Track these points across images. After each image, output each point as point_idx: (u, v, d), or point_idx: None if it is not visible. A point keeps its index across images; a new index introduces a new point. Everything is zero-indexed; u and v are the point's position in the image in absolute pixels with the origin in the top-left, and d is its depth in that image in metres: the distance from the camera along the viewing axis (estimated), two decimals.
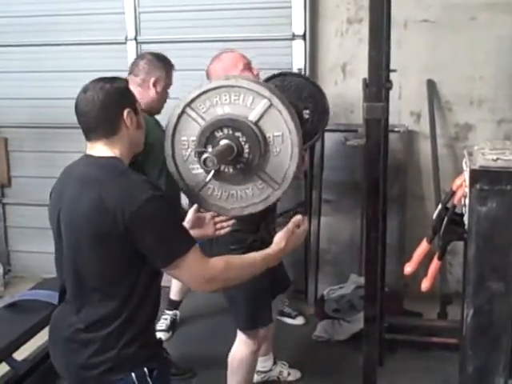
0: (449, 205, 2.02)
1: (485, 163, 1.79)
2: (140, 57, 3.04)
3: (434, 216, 2.03)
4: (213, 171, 1.83)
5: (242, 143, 1.87)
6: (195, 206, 2.18)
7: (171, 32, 4.28)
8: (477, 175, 1.77)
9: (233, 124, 1.87)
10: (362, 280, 3.71)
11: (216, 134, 1.88)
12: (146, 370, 1.85)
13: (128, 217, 1.73)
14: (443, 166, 3.95)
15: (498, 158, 1.80)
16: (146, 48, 4.25)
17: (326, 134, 4.11)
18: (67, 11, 4.42)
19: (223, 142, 1.86)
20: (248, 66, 2.74)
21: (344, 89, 4.15)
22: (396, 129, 3.97)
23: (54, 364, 1.99)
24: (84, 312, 1.86)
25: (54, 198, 1.98)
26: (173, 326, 3.85)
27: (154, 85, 2.86)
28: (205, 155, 1.77)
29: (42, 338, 3.09)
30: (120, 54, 4.30)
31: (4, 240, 4.95)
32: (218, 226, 2.23)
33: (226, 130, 1.87)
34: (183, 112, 1.93)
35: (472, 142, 3.93)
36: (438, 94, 4.02)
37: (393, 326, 3.50)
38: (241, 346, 2.83)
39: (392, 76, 3.13)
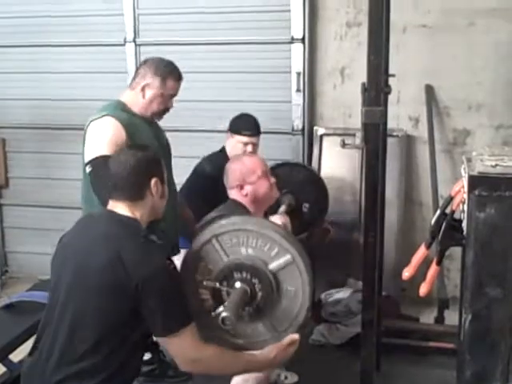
0: (447, 210, 2.02)
1: (483, 169, 1.80)
2: (145, 60, 3.01)
3: (433, 221, 2.04)
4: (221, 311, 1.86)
5: (257, 290, 1.94)
6: None
7: (170, 34, 4.28)
8: (475, 181, 1.77)
9: (253, 270, 1.93)
10: (359, 284, 3.73)
11: (235, 274, 1.94)
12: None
13: (141, 279, 1.81)
14: (441, 171, 3.95)
15: (496, 164, 1.81)
16: (144, 50, 4.27)
17: (324, 138, 4.13)
18: (66, 13, 4.42)
19: (239, 284, 1.92)
20: (265, 174, 2.79)
21: (342, 92, 4.15)
22: (394, 133, 3.97)
23: None
24: (63, 364, 1.88)
25: (63, 245, 2.05)
26: None
27: (143, 89, 2.78)
28: (224, 314, 1.81)
29: None
30: (119, 56, 4.31)
31: (1, 241, 4.94)
32: None
33: (244, 274, 1.94)
34: (209, 242, 2.00)
35: (470, 147, 3.93)
36: (436, 99, 4.02)
37: (390, 330, 3.49)
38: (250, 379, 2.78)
39: (390, 81, 3.13)
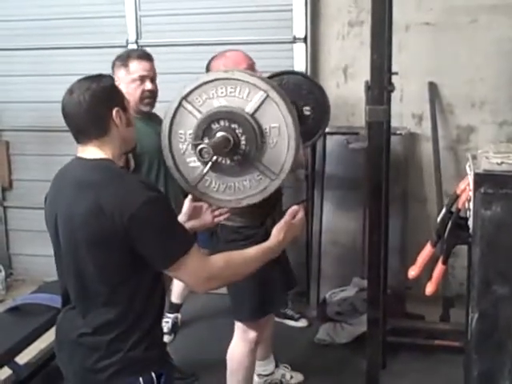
0: (453, 209, 2.02)
1: (489, 167, 1.79)
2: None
3: (438, 220, 2.03)
4: (210, 163, 1.83)
5: (239, 135, 1.88)
6: (190, 196, 2.17)
7: (172, 35, 4.28)
8: (481, 179, 1.76)
9: (229, 116, 1.87)
10: (364, 283, 3.72)
11: (212, 126, 1.88)
12: (153, 375, 1.85)
13: (126, 220, 1.72)
14: (445, 169, 3.95)
15: (502, 162, 1.80)
16: None
17: (328, 137, 4.12)
18: (68, 15, 4.42)
19: (220, 134, 1.86)
20: (251, 67, 2.73)
21: (345, 91, 4.15)
22: (398, 131, 3.96)
23: (60, 367, 1.98)
24: (90, 316, 1.85)
25: (49, 204, 1.97)
26: (174, 329, 3.85)
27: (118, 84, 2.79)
28: (201, 146, 1.78)
29: (44, 341, 3.09)
30: None
31: (5, 243, 4.95)
32: (216, 213, 2.22)
33: (222, 122, 1.88)
34: (180, 105, 1.94)
35: (474, 144, 3.93)
36: (439, 96, 4.02)
37: (395, 328, 3.49)
38: (239, 345, 2.81)
39: (394, 79, 3.13)
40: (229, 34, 4.17)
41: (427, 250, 2.10)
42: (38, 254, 4.74)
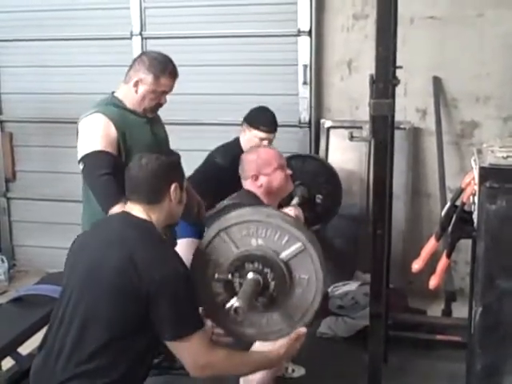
0: (458, 202, 2.01)
1: (494, 161, 1.78)
2: (140, 54, 2.98)
3: (443, 214, 2.03)
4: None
5: (269, 279, 1.92)
6: None
7: (176, 27, 4.28)
8: (486, 173, 1.76)
9: (264, 260, 1.92)
10: (366, 277, 3.73)
11: (246, 265, 1.93)
12: None
13: (154, 284, 1.81)
14: (449, 164, 3.94)
15: (508, 156, 1.79)
16: (150, 43, 4.26)
17: (331, 130, 4.12)
18: (73, 6, 4.43)
19: (251, 275, 1.91)
20: (281, 166, 2.77)
21: (349, 85, 4.14)
22: (402, 126, 3.96)
23: None
24: (72, 364, 1.88)
25: (79, 245, 2.05)
26: None
27: (135, 85, 2.73)
28: (236, 304, 1.80)
29: None
30: (125, 50, 4.29)
31: (8, 234, 4.96)
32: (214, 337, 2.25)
33: (256, 264, 1.92)
34: (218, 235, 1.99)
35: (478, 139, 3.92)
36: (443, 90, 4.00)
37: (397, 323, 3.49)
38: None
39: (398, 73, 3.11)
40: (233, 26, 4.17)
41: (431, 244, 2.10)
42: (41, 246, 4.77)
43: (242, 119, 3.45)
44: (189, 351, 1.88)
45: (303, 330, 2.03)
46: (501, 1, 3.78)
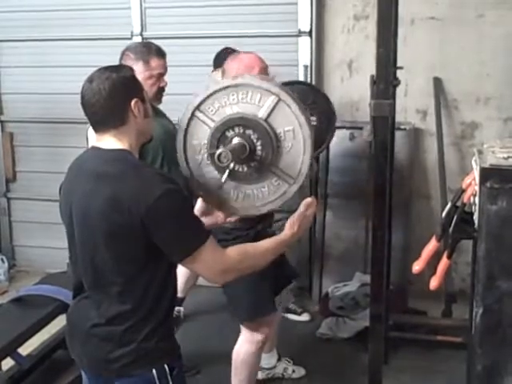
0: (458, 203, 2.01)
1: (495, 161, 1.78)
2: (122, 51, 2.98)
3: (444, 214, 2.02)
4: (228, 170, 1.82)
5: (254, 141, 1.86)
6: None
7: (177, 28, 4.28)
8: (487, 173, 1.75)
9: (243, 122, 1.86)
10: (366, 278, 3.72)
11: (227, 133, 1.87)
12: (166, 367, 1.85)
13: (144, 212, 1.73)
14: (449, 165, 3.94)
15: (508, 157, 1.79)
16: None
17: None
18: (73, 6, 4.43)
19: (235, 140, 1.85)
20: (264, 71, 2.72)
21: (350, 86, 4.14)
22: (402, 126, 3.96)
23: (72, 357, 1.98)
24: (103, 307, 1.85)
25: (64, 194, 1.97)
26: (176, 323, 3.85)
27: None
28: (219, 151, 1.76)
29: (47, 332, 3.10)
30: None
31: (9, 234, 4.97)
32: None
33: (236, 129, 1.86)
34: (193, 116, 1.92)
35: (478, 140, 3.92)
36: (444, 91, 4.00)
37: (397, 324, 3.49)
38: (244, 344, 2.82)
39: (398, 73, 3.12)
40: (234, 26, 4.17)
41: (432, 245, 2.09)
42: (41, 246, 4.77)
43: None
44: (203, 264, 1.81)
45: (309, 199, 1.97)
46: (501, 2, 3.78)
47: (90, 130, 2.71)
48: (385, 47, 2.19)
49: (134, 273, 1.81)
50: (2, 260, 4.68)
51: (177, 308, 3.87)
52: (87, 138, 2.76)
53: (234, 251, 1.86)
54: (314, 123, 3.23)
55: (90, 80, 1.85)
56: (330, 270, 4.20)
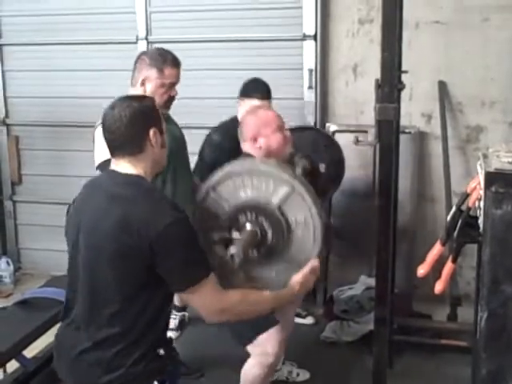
0: (463, 207, 2.01)
1: (500, 166, 1.78)
2: (139, 55, 3.00)
3: (448, 218, 2.02)
4: (239, 260, 1.84)
5: (266, 228, 1.90)
6: None
7: (182, 32, 4.28)
8: (492, 178, 1.75)
9: (256, 209, 1.90)
10: (371, 281, 3.72)
11: (240, 218, 1.92)
12: (156, 383, 1.88)
13: (153, 236, 1.76)
14: (454, 168, 3.92)
15: None
16: None
17: (337, 135, 4.11)
18: (78, 10, 4.45)
19: (247, 226, 1.90)
20: (280, 128, 2.71)
21: (355, 89, 4.14)
22: (407, 130, 3.95)
23: (60, 377, 1.99)
24: (92, 329, 1.86)
25: (74, 211, 2.01)
26: (181, 326, 3.85)
27: (142, 84, 2.78)
28: (231, 251, 1.80)
29: (52, 335, 3.08)
30: (131, 54, 4.21)
31: (14, 237, 4.98)
32: None
33: (249, 215, 1.91)
34: (207, 194, 1.98)
35: (483, 143, 3.91)
36: (449, 95, 4.00)
37: (402, 327, 3.49)
38: (253, 368, 2.69)
39: (403, 77, 3.12)
40: (239, 30, 4.18)
41: (437, 249, 2.09)
42: (46, 249, 4.77)
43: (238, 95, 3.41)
44: (202, 298, 1.83)
45: (316, 262, 2.00)
46: (506, 5, 3.77)
47: (98, 130, 2.74)
48: (390, 51, 2.19)
49: (131, 295, 1.83)
50: (8, 263, 4.69)
51: (181, 312, 3.87)
52: (93, 140, 2.77)
53: (235, 293, 1.89)
54: (323, 170, 3.30)
55: (112, 106, 1.92)
56: (334, 274, 4.20)
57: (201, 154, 3.40)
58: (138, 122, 1.89)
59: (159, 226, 1.75)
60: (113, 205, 1.83)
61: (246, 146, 2.68)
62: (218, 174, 1.97)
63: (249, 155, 2.63)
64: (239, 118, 3.29)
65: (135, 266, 1.80)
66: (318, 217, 1.91)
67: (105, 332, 1.84)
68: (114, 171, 1.93)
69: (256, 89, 3.37)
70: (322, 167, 3.29)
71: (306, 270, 1.99)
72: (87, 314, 1.88)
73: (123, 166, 1.91)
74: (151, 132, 1.90)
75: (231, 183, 1.94)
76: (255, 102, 3.31)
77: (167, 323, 1.99)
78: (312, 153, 3.31)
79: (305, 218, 1.92)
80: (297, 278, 1.98)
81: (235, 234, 1.91)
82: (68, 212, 2.07)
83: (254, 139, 2.64)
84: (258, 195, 1.92)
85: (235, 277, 1.98)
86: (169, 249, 1.77)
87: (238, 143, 2.73)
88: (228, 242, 1.93)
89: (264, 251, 1.92)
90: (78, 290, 1.92)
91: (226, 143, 3.10)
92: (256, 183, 1.92)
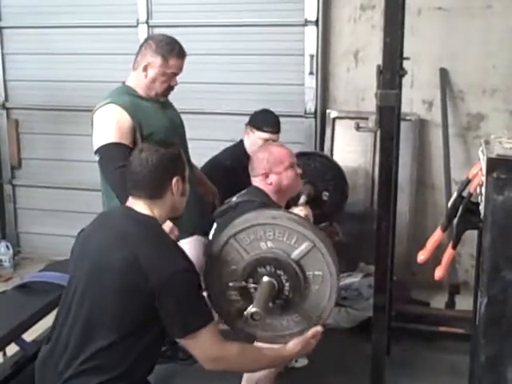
0: (464, 193, 2.01)
1: (502, 152, 1.78)
2: (145, 39, 2.98)
3: (449, 204, 2.02)
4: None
5: (284, 281, 1.92)
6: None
7: (183, 16, 4.26)
8: (494, 164, 1.75)
9: (275, 262, 1.92)
10: (369, 268, 3.73)
11: (258, 269, 1.93)
12: None
13: (159, 281, 1.79)
14: (454, 156, 3.93)
15: None
16: (157, 32, 4.23)
17: (337, 121, 4.11)
18: None
19: (265, 279, 1.91)
20: (292, 165, 2.74)
21: (356, 76, 4.13)
22: (408, 117, 3.94)
23: None
24: (77, 360, 1.86)
25: (83, 239, 2.04)
26: None
27: (145, 69, 2.76)
28: (252, 310, 1.80)
29: (51, 318, 3.10)
30: (131, 38, 4.27)
31: (14, 221, 4.98)
32: None
33: (268, 267, 1.92)
34: (227, 243, 1.99)
35: (484, 131, 3.91)
36: (450, 82, 3.99)
37: (400, 314, 3.49)
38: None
39: (405, 64, 3.10)
40: (240, 15, 4.16)
41: (437, 235, 2.09)
42: (45, 233, 4.78)
43: (246, 123, 3.48)
44: (200, 346, 1.86)
45: (319, 328, 2.03)
46: None
47: (96, 114, 2.73)
48: (392, 37, 2.18)
49: (127, 329, 1.85)
50: (7, 247, 4.69)
51: None
52: (92, 124, 2.76)
53: (234, 345, 1.92)
54: (326, 198, 3.35)
55: (141, 150, 1.99)
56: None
57: (208, 171, 3.39)
58: (163, 168, 1.95)
59: (165, 273, 1.79)
60: (124, 243, 1.86)
61: (256, 181, 2.71)
62: (240, 222, 1.99)
63: (259, 190, 2.66)
64: (247, 147, 3.39)
65: (136, 306, 1.83)
66: (336, 276, 1.95)
67: (90, 363, 1.85)
68: (129, 208, 1.98)
69: (267, 122, 3.41)
70: (325, 195, 3.34)
71: (308, 334, 2.01)
72: (77, 344, 1.88)
73: (139, 206, 1.96)
74: (174, 180, 1.97)
75: (253, 233, 1.96)
76: (265, 135, 3.33)
77: (153, 367, 2.01)
78: (319, 180, 3.36)
79: (323, 275, 1.95)
80: (297, 341, 2.01)
81: (251, 286, 1.94)
82: (78, 237, 2.09)
83: (266, 175, 2.68)
84: (279, 248, 1.95)
85: (242, 321, 1.99)
86: (171, 296, 1.81)
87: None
88: (243, 291, 1.96)
89: (279, 303, 1.95)
90: (69, 318, 1.93)
91: (234, 165, 3.21)
92: (278, 236, 1.95)
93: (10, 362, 2.87)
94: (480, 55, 3.89)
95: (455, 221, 1.99)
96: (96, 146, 2.66)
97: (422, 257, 2.12)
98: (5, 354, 2.95)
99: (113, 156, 2.57)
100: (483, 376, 1.87)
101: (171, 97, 2.97)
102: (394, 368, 2.89)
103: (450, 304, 3.64)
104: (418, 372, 3.22)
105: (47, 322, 3.11)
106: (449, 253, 2.03)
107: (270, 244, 1.95)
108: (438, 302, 3.74)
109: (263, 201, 2.54)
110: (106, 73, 4.19)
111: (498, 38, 3.82)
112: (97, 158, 2.66)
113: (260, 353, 1.99)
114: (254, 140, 3.38)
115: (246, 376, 2.70)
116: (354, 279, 3.88)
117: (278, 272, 1.92)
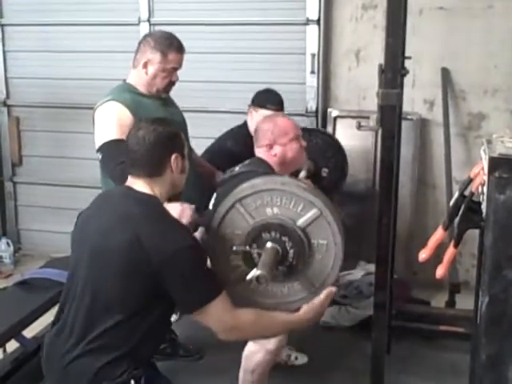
0: (466, 192, 2.01)
1: (504, 151, 1.78)
2: (144, 36, 2.98)
3: (451, 203, 2.02)
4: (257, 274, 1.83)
5: (288, 248, 1.90)
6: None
7: (184, 14, 4.26)
8: (496, 163, 1.75)
9: (280, 228, 1.90)
10: (370, 267, 3.73)
11: (263, 235, 1.91)
12: (132, 382, 1.87)
13: (163, 260, 1.78)
14: (455, 155, 3.93)
15: None
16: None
17: (338, 120, 4.11)
18: None
19: (269, 244, 1.89)
20: (297, 138, 2.70)
21: (357, 75, 4.13)
22: (409, 116, 3.95)
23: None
24: (88, 339, 1.86)
25: (81, 221, 2.04)
26: None
27: (144, 66, 2.77)
28: (258, 272, 1.78)
29: (51, 315, 3.10)
30: (132, 36, 4.22)
31: (14, 218, 4.98)
32: None
33: (273, 233, 1.90)
34: (233, 206, 1.96)
35: (485, 131, 3.91)
36: (452, 82, 3.99)
37: (401, 313, 3.50)
38: (255, 355, 2.68)
39: (406, 63, 3.10)
40: (242, 14, 4.17)
41: (439, 233, 2.09)
42: (46, 230, 4.79)
43: (249, 104, 3.44)
44: (213, 318, 1.86)
45: (334, 288, 2.01)
46: None
47: (98, 112, 2.73)
48: (394, 37, 2.18)
49: (133, 308, 1.85)
50: (8, 244, 4.70)
51: None
52: (93, 122, 2.76)
53: (248, 312, 1.91)
54: (325, 175, 3.34)
55: (138, 128, 1.98)
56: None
57: (210, 152, 3.39)
58: (161, 146, 1.94)
59: (170, 249, 1.79)
60: (125, 224, 1.85)
61: (260, 152, 2.68)
62: (247, 187, 1.97)
63: (263, 161, 2.63)
64: (251, 128, 3.31)
65: (140, 283, 1.83)
66: (341, 246, 1.93)
67: (98, 342, 1.85)
68: (129, 187, 1.97)
69: (270, 99, 3.38)
70: (325, 172, 3.33)
71: (322, 295, 1.99)
72: (84, 324, 1.88)
73: (139, 185, 1.95)
74: (173, 157, 1.95)
75: (259, 199, 1.94)
76: (269, 112, 3.32)
77: (157, 348, 2.02)
78: (319, 157, 3.35)
79: (327, 243, 1.93)
80: (312, 305, 1.99)
81: (255, 251, 1.92)
82: (77, 220, 2.09)
83: (270, 147, 2.64)
84: (285, 214, 1.93)
85: (243, 287, 1.98)
86: (177, 273, 1.80)
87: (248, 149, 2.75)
88: (246, 256, 1.94)
89: (282, 269, 1.93)
90: (74, 300, 1.93)
91: (237, 149, 3.17)
92: (285, 202, 1.92)
93: (10, 359, 2.89)
94: (481, 55, 3.89)
95: (457, 220, 1.99)
96: (98, 145, 2.66)
97: (423, 255, 2.12)
98: (5, 351, 2.95)
99: (114, 153, 2.57)
100: (484, 375, 1.87)
101: (173, 95, 2.97)
102: (394, 367, 2.90)
103: (451, 303, 3.65)
104: (418, 371, 3.23)
105: (47, 318, 3.12)
106: (450, 251, 2.03)
107: (276, 210, 1.92)
108: (439, 300, 3.75)
109: (266, 172, 2.49)
110: (108, 71, 4.19)
111: (500, 37, 3.82)
112: (99, 156, 2.66)
113: (273, 319, 1.96)
114: (257, 119, 3.34)
115: (243, 366, 2.75)
116: (354, 277, 3.89)
117: (283, 238, 1.90)
